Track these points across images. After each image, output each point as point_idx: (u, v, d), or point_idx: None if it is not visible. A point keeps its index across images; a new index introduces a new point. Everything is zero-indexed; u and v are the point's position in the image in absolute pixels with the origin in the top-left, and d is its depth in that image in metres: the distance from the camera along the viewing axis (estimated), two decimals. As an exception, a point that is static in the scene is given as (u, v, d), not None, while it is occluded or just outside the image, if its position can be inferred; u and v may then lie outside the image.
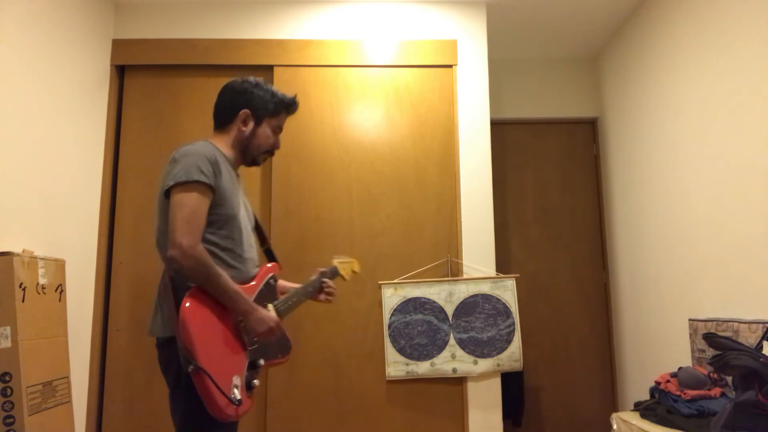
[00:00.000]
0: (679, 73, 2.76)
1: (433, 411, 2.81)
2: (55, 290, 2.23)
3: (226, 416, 1.47)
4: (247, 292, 1.64)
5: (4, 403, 1.89)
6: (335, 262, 2.02)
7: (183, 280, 1.55)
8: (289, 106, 1.83)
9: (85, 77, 2.78)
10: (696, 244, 2.61)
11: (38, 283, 2.11)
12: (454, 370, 2.80)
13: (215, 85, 3.05)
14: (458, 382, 2.83)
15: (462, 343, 2.81)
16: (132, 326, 2.84)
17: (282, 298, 1.80)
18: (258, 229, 1.91)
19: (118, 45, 3.02)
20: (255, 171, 3.00)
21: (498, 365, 2.80)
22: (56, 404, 2.12)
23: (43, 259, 2.17)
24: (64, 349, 2.24)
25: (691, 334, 2.57)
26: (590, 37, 3.55)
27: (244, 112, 1.75)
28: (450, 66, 3.07)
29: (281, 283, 1.91)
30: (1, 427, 1.88)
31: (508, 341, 2.81)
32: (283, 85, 3.01)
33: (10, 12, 2.23)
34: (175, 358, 1.52)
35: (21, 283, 2.00)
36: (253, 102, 1.76)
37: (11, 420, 1.89)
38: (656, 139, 2.99)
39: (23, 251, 2.08)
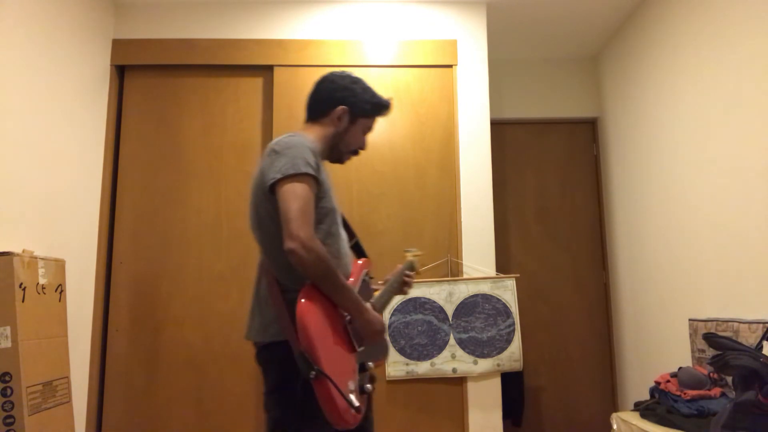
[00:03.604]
0: (679, 73, 2.76)
1: (433, 411, 2.81)
2: (55, 290, 2.23)
3: (345, 423, 1.38)
4: None
5: (4, 403, 1.89)
6: (410, 256, 1.98)
7: (293, 279, 1.47)
8: (384, 109, 1.75)
9: (85, 77, 2.78)
10: (696, 244, 2.61)
11: (38, 283, 2.11)
12: (454, 370, 2.80)
13: (215, 85, 3.05)
14: (458, 382, 2.83)
15: (462, 343, 2.81)
16: (132, 326, 2.84)
17: (377, 295, 1.71)
18: (345, 223, 1.80)
19: (118, 45, 3.02)
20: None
21: (498, 365, 2.80)
22: (56, 404, 2.12)
23: (43, 259, 2.17)
24: (64, 349, 2.24)
25: (691, 334, 2.57)
26: (590, 37, 3.54)
27: (342, 108, 1.67)
28: (450, 66, 3.07)
29: None
30: (1, 427, 1.88)
31: (508, 341, 2.81)
32: (282, 85, 3.01)
33: (10, 12, 2.23)
34: (273, 363, 1.48)
35: (21, 283, 2.00)
36: (352, 99, 1.68)
37: (11, 420, 1.89)
38: (656, 139, 2.98)
39: (23, 251, 2.08)
